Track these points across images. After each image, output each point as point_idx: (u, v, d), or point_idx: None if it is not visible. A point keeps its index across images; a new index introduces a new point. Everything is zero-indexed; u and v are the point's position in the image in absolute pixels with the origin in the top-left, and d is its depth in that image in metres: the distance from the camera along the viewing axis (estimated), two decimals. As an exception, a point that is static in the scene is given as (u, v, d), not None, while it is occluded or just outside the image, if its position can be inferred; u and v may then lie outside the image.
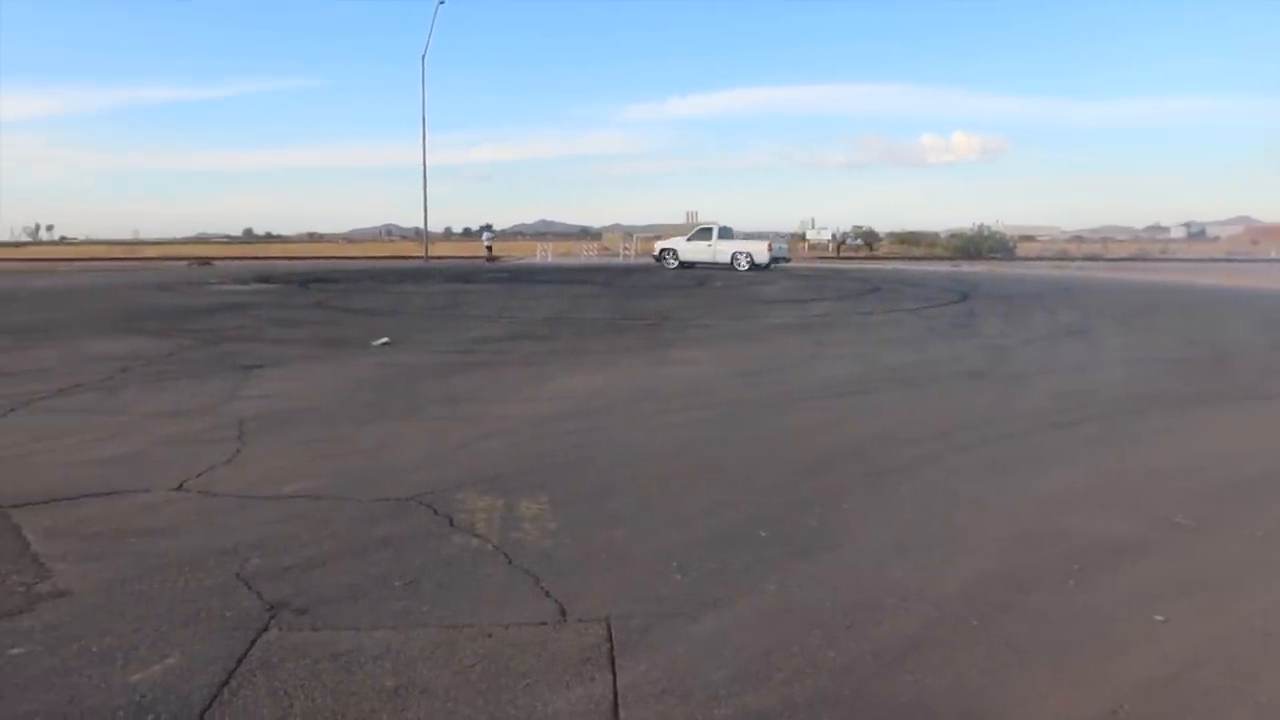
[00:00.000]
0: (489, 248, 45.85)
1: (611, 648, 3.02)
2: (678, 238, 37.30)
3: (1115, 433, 6.47)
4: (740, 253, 33.48)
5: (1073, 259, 53.20)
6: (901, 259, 53.38)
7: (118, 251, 68.25)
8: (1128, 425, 6.73)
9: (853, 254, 60.56)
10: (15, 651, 2.99)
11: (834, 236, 68.66)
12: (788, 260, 36.66)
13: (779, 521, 4.33)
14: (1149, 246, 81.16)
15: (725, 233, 35.07)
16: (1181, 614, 3.34)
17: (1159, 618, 3.30)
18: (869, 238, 68.56)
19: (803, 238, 73.50)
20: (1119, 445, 6.12)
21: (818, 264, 46.39)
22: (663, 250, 36.23)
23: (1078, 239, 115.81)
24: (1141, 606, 3.41)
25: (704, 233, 35.53)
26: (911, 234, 72.50)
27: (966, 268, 40.66)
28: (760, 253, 33.53)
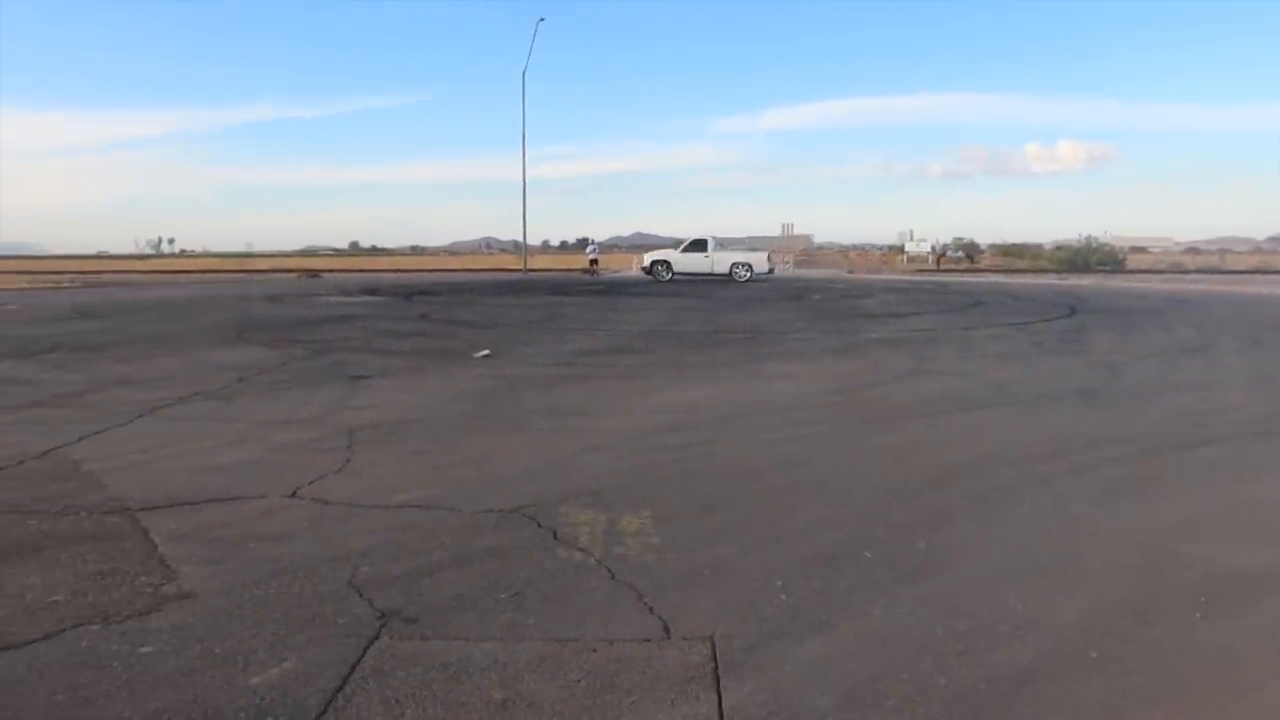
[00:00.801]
0: (593, 260, 46.01)
1: (716, 667, 3.00)
2: (670, 249, 37.09)
3: (1241, 457, 6.13)
4: (740, 264, 33.84)
5: (1188, 271, 50.82)
6: (1004, 272, 51.87)
7: (231, 264, 71.56)
8: (1254, 449, 6.36)
9: (953, 266, 59.15)
10: (145, 650, 3.13)
11: (933, 249, 67.18)
12: (772, 272, 35.85)
13: (884, 542, 4.23)
14: (1271, 258, 76.88)
15: (722, 244, 35.45)
16: (1323, 653, 3.14)
17: (1298, 656, 3.11)
18: (970, 250, 66.85)
19: (901, 250, 72.19)
20: (1245, 470, 5.79)
21: (917, 277, 45.41)
22: (654, 262, 35.06)
23: (1193, 250, 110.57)
24: (1272, 643, 3.21)
25: (698, 244, 34.64)
26: (1015, 246, 70.46)
27: (1074, 281, 39.22)
28: (760, 263, 34.30)
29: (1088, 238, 59.54)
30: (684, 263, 34.22)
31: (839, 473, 5.57)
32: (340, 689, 2.87)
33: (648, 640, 3.20)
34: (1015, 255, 66.31)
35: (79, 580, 3.78)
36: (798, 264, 59.72)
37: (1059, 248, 64.80)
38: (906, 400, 8.22)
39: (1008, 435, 6.71)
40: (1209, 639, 3.25)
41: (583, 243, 50.70)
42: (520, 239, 52.64)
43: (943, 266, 59.19)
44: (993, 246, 71.15)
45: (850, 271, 51.85)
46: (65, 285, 34.88)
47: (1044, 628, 3.32)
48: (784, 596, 3.59)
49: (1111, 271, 50.74)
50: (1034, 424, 7.15)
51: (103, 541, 4.26)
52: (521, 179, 48.98)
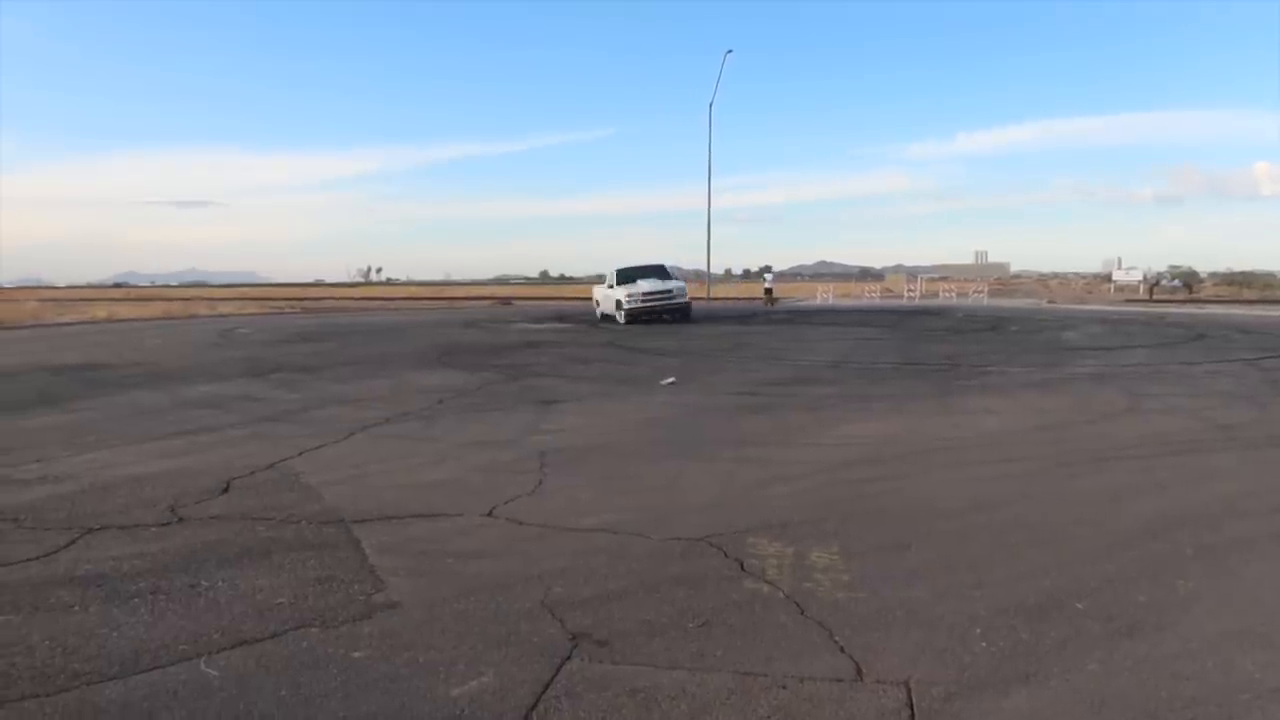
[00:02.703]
0: (769, 289, 45.71)
1: (913, 714, 2.87)
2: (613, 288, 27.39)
3: None
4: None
5: None
6: (1229, 302, 47.55)
7: (430, 291, 75.96)
8: None
9: (1168, 297, 54.79)
10: (357, 655, 3.34)
11: (1145, 277, 62.51)
12: (679, 302, 26.70)
13: (1098, 593, 3.92)
14: None
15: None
16: None
17: None
18: (1188, 278, 61.68)
19: (1107, 278, 67.63)
20: None
21: (1126, 308, 42.36)
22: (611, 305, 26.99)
23: None
24: None
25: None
26: (1242, 274, 64.50)
27: (1313, 312, 35.41)
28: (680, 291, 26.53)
29: (1330, 264, 53.67)
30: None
31: (1043, 516, 5.22)
32: (534, 706, 2.94)
33: (839, 680, 3.10)
34: (1242, 284, 60.67)
35: (300, 585, 4.08)
36: (992, 293, 57.02)
37: (1294, 276, 58.77)
38: (1119, 440, 7.63)
39: (1238, 483, 6.08)
40: None
41: (762, 271, 50.01)
42: (703, 267, 53.11)
43: (1156, 297, 54.94)
44: (1214, 275, 65.45)
45: (1050, 301, 48.97)
46: (287, 310, 38.11)
47: (1288, 699, 2.97)
48: (985, 644, 3.39)
49: (1359, 302, 45.46)
50: (1268, 471, 6.46)
51: (320, 550, 4.59)
52: (706, 209, 49.58)
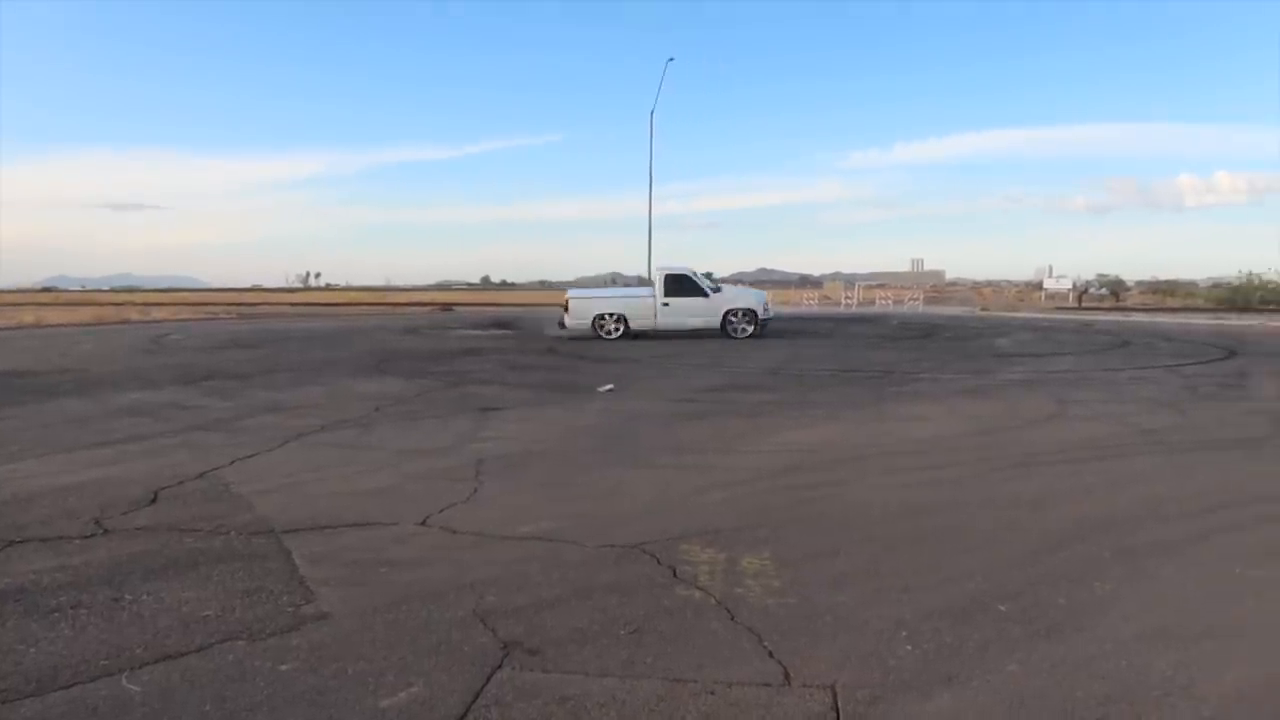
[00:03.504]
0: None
1: (838, 718, 2.91)
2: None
3: None
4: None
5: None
6: (1154, 310, 49.12)
7: (371, 297, 74.99)
8: None
9: (1096, 305, 56.42)
10: (285, 667, 3.29)
11: (1074, 285, 64.27)
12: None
13: (1021, 596, 4.03)
14: None
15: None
16: None
17: None
18: (1115, 287, 63.58)
19: (1038, 287, 69.43)
20: None
21: (1056, 315, 43.51)
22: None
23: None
24: None
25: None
26: (1166, 283, 66.70)
27: (1232, 321, 36.78)
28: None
29: (1249, 274, 55.64)
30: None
31: (971, 521, 5.35)
32: (464, 716, 2.93)
33: (767, 685, 3.14)
34: (1166, 293, 62.68)
35: (228, 597, 4.01)
36: (928, 301, 58.17)
37: (1215, 285, 60.91)
38: (1046, 446, 7.85)
39: (1159, 487, 6.30)
40: (1391, 719, 2.95)
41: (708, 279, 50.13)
42: (645, 274, 53.25)
43: (1084, 304, 56.55)
44: (1140, 284, 67.56)
45: (983, 309, 50.12)
46: (222, 316, 37.30)
47: (1199, 695, 3.08)
48: (910, 648, 3.47)
49: (1276, 310, 47.32)
50: (1189, 475, 6.70)
51: (250, 561, 4.51)
52: (648, 216, 49.76)
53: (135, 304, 54.20)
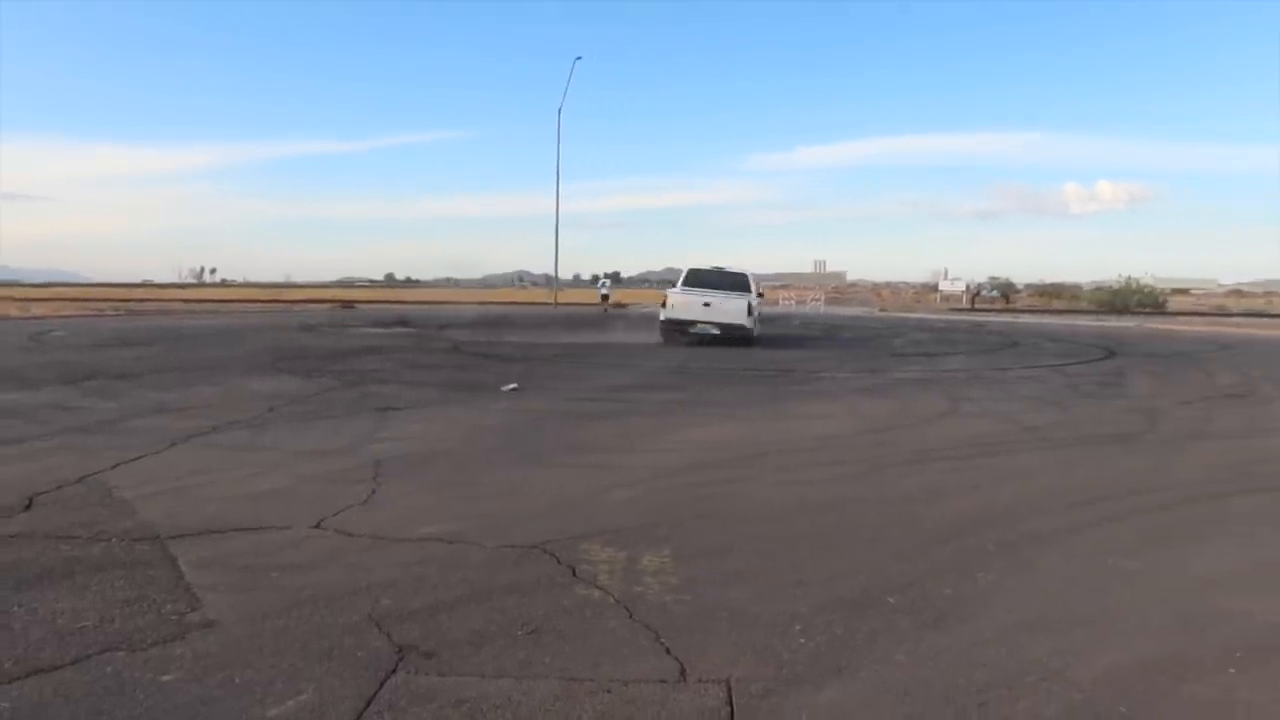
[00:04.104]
0: (605, 295, 46.10)
1: (732, 712, 2.96)
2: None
3: (1283, 507, 5.98)
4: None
5: (1231, 314, 49.94)
6: (1041, 312, 51.31)
7: (269, 294, 72.66)
8: (1297, 499, 6.21)
9: (988, 306, 58.65)
10: (167, 678, 3.16)
11: (968, 287, 66.73)
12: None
13: (910, 588, 4.17)
14: (1320, 302, 75.49)
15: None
16: (1364, 715, 3.03)
17: (1336, 717, 3.01)
18: (1006, 289, 66.30)
19: (934, 288, 71.75)
20: (1287, 521, 5.65)
21: (950, 316, 45.06)
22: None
23: (1237, 293, 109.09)
24: (1315, 703, 3.11)
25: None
26: (1052, 286, 69.76)
27: (1113, 322, 38.71)
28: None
29: (1128, 278, 58.76)
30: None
31: (865, 516, 5.50)
32: (354, 723, 2.87)
33: (663, 682, 3.17)
34: (1052, 295, 65.69)
35: (107, 606, 3.83)
36: (829, 301, 59.51)
37: (1097, 288, 64.05)
38: (937, 443, 8.13)
39: (1042, 481, 6.60)
40: (1246, 697, 3.15)
41: (601, 279, 49.99)
42: (553, 272, 53.06)
43: (977, 306, 58.74)
44: (1029, 286, 70.57)
45: (881, 310, 51.58)
46: (108, 313, 35.63)
47: (1071, 680, 3.24)
48: (803, 641, 3.55)
49: (1152, 313, 50.02)
50: (1068, 469, 7.03)
51: (132, 568, 4.31)
52: (555, 214, 49.42)
53: (14, 299, 51.26)
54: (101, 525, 5.03)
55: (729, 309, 19.62)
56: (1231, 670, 3.35)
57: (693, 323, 19.55)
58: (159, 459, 6.86)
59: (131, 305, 45.87)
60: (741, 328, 19.62)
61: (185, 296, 65.68)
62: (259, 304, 51.52)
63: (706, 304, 19.62)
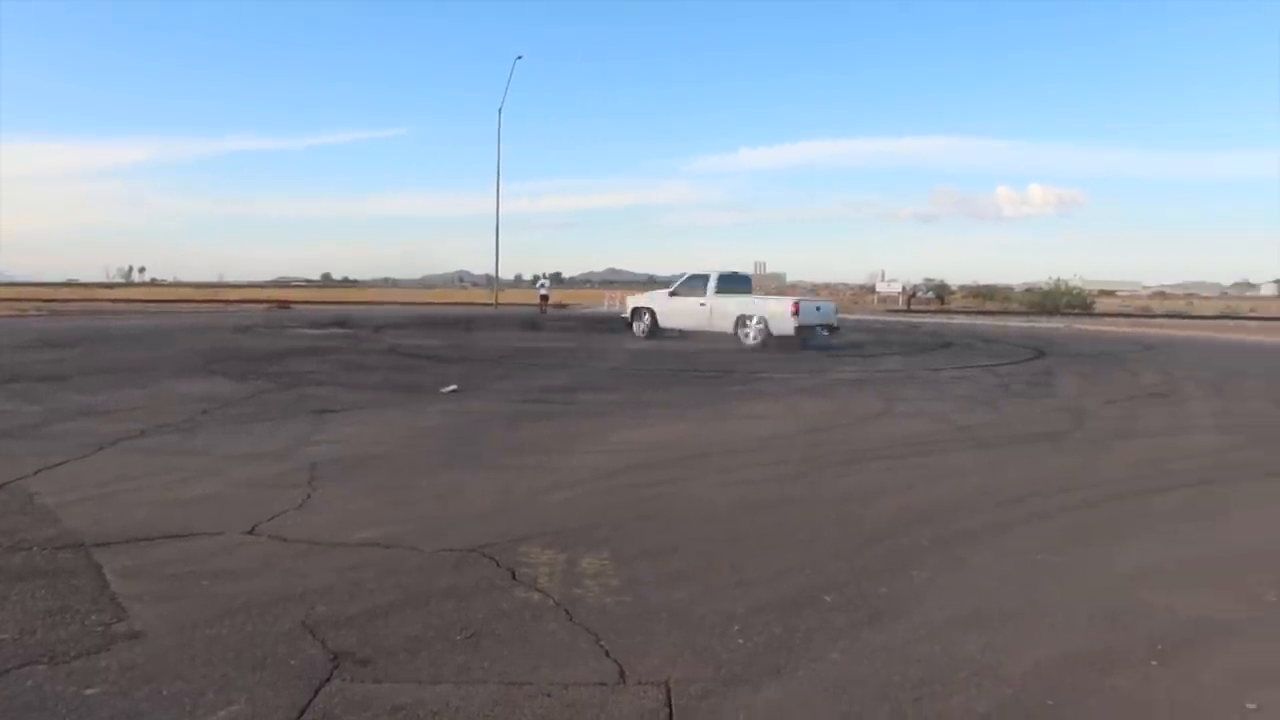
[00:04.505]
0: (544, 296, 45.17)
1: (671, 713, 2.97)
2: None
3: (1203, 503, 6.20)
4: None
5: (1154, 315, 51.66)
6: (974, 313, 52.47)
7: (202, 294, 70.92)
8: (1216, 495, 6.45)
9: (923, 307, 59.78)
10: (91, 691, 3.06)
11: (904, 289, 67.96)
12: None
13: (846, 586, 4.23)
14: (1237, 303, 78.52)
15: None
16: (1276, 702, 3.15)
17: (1251, 706, 3.12)
18: (940, 291, 67.67)
19: (872, 290, 72.90)
20: (1207, 517, 5.86)
21: (887, 317, 45.83)
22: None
23: (1160, 294, 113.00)
24: (1231, 692, 3.23)
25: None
26: (985, 288, 71.36)
27: (1043, 323, 39.74)
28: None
29: (1057, 280, 60.38)
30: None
31: (803, 515, 5.57)
32: (287, 733, 2.81)
33: (603, 684, 3.17)
34: (985, 297, 67.17)
35: (28, 618, 3.69)
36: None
37: (1028, 290, 65.68)
38: (873, 443, 8.26)
39: (974, 480, 6.75)
40: (1168, 688, 3.25)
41: (539, 279, 49.12)
42: (494, 272, 52.77)
43: (913, 307, 59.84)
44: (963, 288, 72.09)
45: (823, 311, 52.16)
46: (31, 313, 34.41)
47: (1002, 675, 3.32)
48: (742, 641, 3.58)
49: (1080, 314, 51.48)
50: (999, 468, 7.20)
51: (54, 578, 4.17)
52: (495, 214, 49.32)
53: (-73, 299, 49.31)
54: (22, 533, 4.86)
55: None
56: (1154, 663, 3.47)
57: (813, 327, 20.42)
58: (84, 464, 6.65)
59: (55, 305, 44.38)
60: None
61: (113, 296, 63.77)
62: (191, 304, 50.24)
63: (818, 308, 21.00)
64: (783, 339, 19.84)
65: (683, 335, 22.50)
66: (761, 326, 20.11)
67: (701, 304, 21.50)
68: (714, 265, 22.63)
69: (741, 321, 20.57)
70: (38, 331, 22.54)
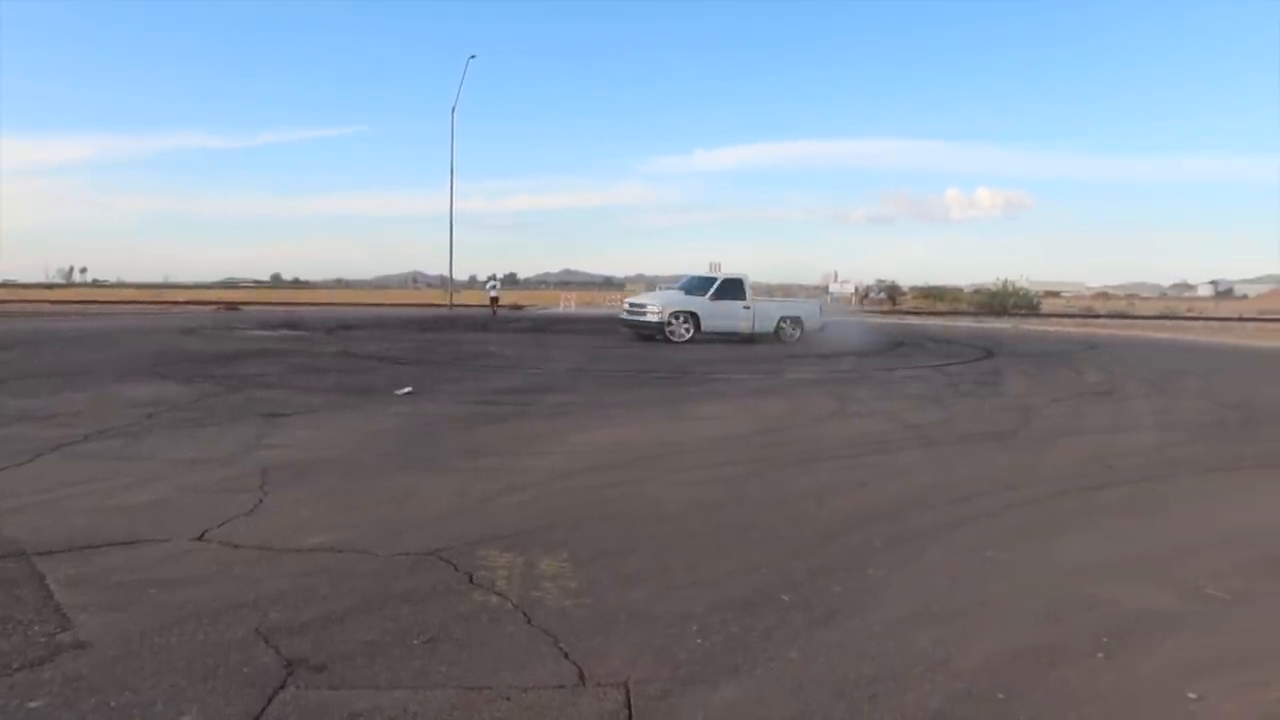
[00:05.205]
0: (494, 298, 44.32)
1: (630, 714, 2.98)
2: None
3: (1145, 499, 6.37)
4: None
5: (1098, 316, 52.88)
6: (924, 314, 53.27)
7: (146, 294, 69.29)
8: (1157, 491, 6.62)
9: (875, 308, 60.55)
10: (34, 705, 2.99)
11: (856, 290, 68.82)
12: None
13: (802, 585, 4.27)
14: (1176, 304, 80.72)
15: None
16: (1216, 691, 3.26)
17: (1192, 695, 3.22)
18: (892, 292, 68.65)
19: (825, 291, 73.58)
20: (1150, 512, 6.02)
21: (839, 318, 46.26)
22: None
23: (1103, 295, 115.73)
24: (1173, 683, 3.33)
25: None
26: (935, 289, 72.45)
27: (991, 323, 40.48)
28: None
29: (1004, 281, 61.59)
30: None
31: (758, 515, 5.61)
32: (241, 743, 2.77)
33: (562, 687, 3.17)
34: (935, 297, 68.19)
35: (-34, 630, 3.59)
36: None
37: (977, 291, 66.84)
38: (827, 442, 8.35)
39: (925, 478, 6.85)
40: (1112, 679, 3.35)
41: (488, 280, 48.17)
42: (448, 273, 52.37)
43: (866, 307, 60.56)
44: (914, 288, 73.06)
45: (776, 312, 52.54)
46: (-34, 314, 33.36)
47: (954, 669, 3.38)
48: (700, 641, 3.59)
49: (1027, 314, 52.53)
50: (948, 467, 7.32)
51: (-7, 588, 4.05)
52: (449, 214, 48.99)
53: None
54: (-40, 543, 4.71)
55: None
56: (1100, 655, 3.56)
57: (823, 324, 24.70)
58: (23, 471, 6.46)
59: (-8, 306, 43.09)
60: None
61: (53, 297, 62.02)
62: (136, 305, 49.11)
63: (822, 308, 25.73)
64: (807, 335, 23.28)
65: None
66: (799, 327, 23.54)
67: (745, 307, 23.00)
68: (685, 267, 24.08)
69: (785, 322, 23.48)
70: (-27, 334, 21.86)
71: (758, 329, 23.07)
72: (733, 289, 23.06)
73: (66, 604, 3.87)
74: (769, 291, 33.73)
